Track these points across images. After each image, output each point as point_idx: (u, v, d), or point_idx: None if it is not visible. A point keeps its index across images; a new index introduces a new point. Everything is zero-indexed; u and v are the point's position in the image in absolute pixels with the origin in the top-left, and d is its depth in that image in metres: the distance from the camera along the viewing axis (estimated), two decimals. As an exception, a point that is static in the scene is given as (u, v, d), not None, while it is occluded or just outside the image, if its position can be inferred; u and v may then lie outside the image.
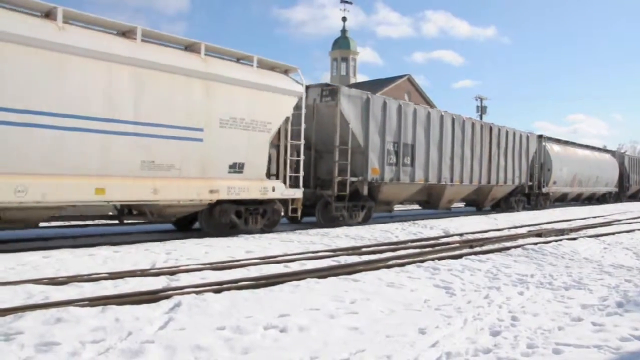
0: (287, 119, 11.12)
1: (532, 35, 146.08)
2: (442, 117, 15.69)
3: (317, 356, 3.59)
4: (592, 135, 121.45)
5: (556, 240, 10.47)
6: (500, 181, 19.14)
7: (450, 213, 18.48)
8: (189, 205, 9.70)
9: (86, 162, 8.13)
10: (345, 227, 12.34)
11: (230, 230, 10.38)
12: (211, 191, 9.78)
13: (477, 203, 20.17)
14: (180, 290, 5.18)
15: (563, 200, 26.71)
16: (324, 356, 3.59)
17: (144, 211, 9.54)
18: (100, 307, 4.39)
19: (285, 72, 11.48)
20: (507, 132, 19.58)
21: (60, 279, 5.67)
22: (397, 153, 13.91)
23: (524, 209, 21.87)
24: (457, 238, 11.08)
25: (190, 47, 9.76)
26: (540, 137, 23.33)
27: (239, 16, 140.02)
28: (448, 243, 9.95)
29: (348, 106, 12.54)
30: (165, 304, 4.63)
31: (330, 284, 5.82)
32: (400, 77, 41.72)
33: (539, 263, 7.88)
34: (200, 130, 9.57)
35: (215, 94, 9.75)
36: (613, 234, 12.40)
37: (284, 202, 11.35)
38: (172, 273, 6.20)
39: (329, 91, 12.57)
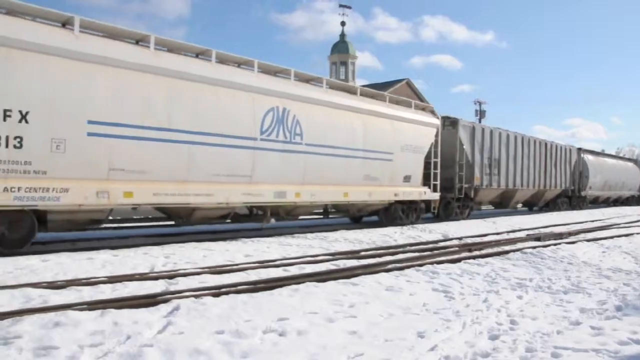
0: (431, 144, 15.49)
1: (530, 40, 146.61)
2: (515, 137, 20.65)
3: (315, 360, 3.59)
4: (591, 139, 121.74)
5: (555, 244, 10.47)
6: (551, 186, 24.11)
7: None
8: (380, 204, 14.13)
9: (338, 175, 12.45)
10: (342, 231, 12.41)
11: (394, 221, 14.59)
12: (395, 194, 14.20)
13: (531, 204, 25.08)
14: (179, 294, 5.17)
15: (595, 202, 31.30)
16: (322, 360, 3.59)
17: (346, 208, 14.10)
18: (98, 311, 4.38)
19: (423, 109, 15.94)
20: (556, 147, 24.59)
21: (58, 282, 5.67)
22: (489, 166, 18.62)
23: (566, 209, 26.21)
24: (455, 242, 11.08)
25: (376, 97, 14.27)
26: (579, 149, 28.12)
27: (238, 21, 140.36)
28: (447, 247, 9.95)
29: (463, 133, 17.34)
30: (164, 308, 4.63)
31: (329, 287, 5.82)
32: (399, 81, 41.80)
33: (537, 267, 7.87)
34: (391, 153, 14.02)
35: (397, 129, 14.28)
36: (612, 237, 12.41)
37: (427, 202, 15.66)
38: (171, 277, 6.20)
39: (450, 122, 17.21)
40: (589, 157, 28.82)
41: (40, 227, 8.28)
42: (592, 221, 18.49)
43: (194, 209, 9.96)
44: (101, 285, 5.62)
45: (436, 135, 15.66)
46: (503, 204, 21.42)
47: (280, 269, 7.05)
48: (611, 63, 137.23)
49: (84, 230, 9.77)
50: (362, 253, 8.84)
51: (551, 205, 25.69)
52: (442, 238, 11.86)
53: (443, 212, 17.16)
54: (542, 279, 6.83)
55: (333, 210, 13.89)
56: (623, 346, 3.98)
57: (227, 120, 10.01)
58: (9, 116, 7.35)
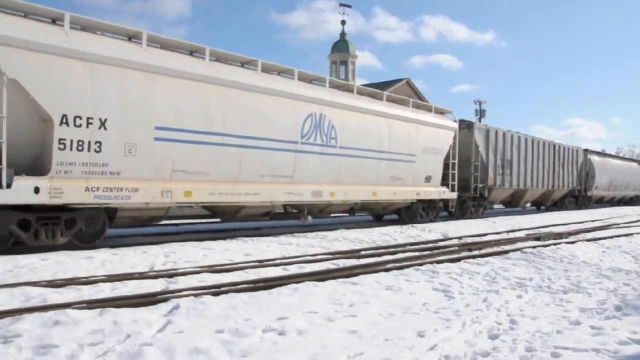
0: (450, 146, 16.45)
1: (530, 40, 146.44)
2: (526, 139, 21.69)
3: (315, 359, 3.59)
4: (591, 139, 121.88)
5: (555, 244, 10.47)
6: (559, 186, 25.06)
7: (447, 217, 18.56)
8: (403, 203, 15.12)
9: (367, 176, 13.41)
10: (342, 230, 12.43)
11: (415, 219, 15.56)
12: (417, 194, 15.21)
13: (540, 203, 26.08)
14: (178, 293, 5.17)
15: (600, 202, 32.24)
16: (322, 359, 3.58)
17: (372, 207, 14.63)
18: (98, 310, 4.38)
19: (442, 113, 16.83)
20: (564, 148, 25.56)
21: (58, 281, 5.66)
22: (502, 167, 19.63)
23: (573, 208, 27.08)
24: (455, 241, 11.08)
25: (400, 102, 15.36)
26: (585, 150, 29.17)
27: (238, 21, 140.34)
28: (447, 246, 9.95)
29: (478, 136, 18.39)
30: (163, 307, 4.63)
31: (329, 287, 5.82)
32: (399, 80, 41.77)
33: (537, 266, 7.87)
34: (414, 155, 14.93)
35: (419, 132, 15.18)
36: (611, 237, 12.40)
37: (444, 201, 16.70)
38: (171, 276, 6.20)
39: (466, 125, 18.20)
40: (595, 158, 29.73)
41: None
42: (592, 221, 18.50)
43: (241, 207, 10.87)
44: (101, 284, 5.62)
45: (454, 138, 16.61)
46: (513, 203, 22.57)
47: (280, 268, 7.05)
48: (611, 63, 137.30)
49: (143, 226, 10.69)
50: (362, 252, 8.84)
51: (559, 205, 26.51)
52: (441, 237, 11.86)
53: (459, 210, 17.94)
54: (541, 278, 6.83)
55: (360, 209, 14.67)
56: (623, 346, 3.97)
57: (272, 125, 10.92)
58: (91, 123, 8.18)
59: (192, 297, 4.94)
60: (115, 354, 3.48)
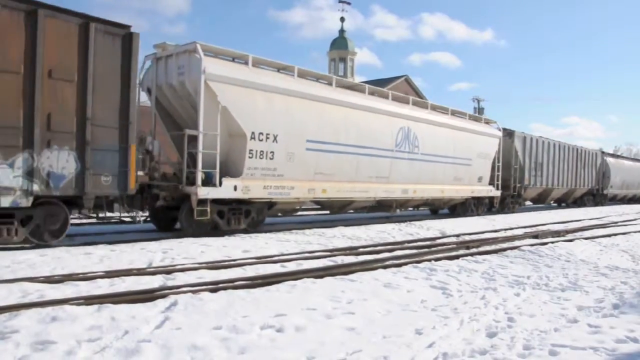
0: (496, 151, 19.30)
1: (528, 39, 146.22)
2: (554, 144, 24.75)
3: (313, 356, 3.59)
4: (588, 137, 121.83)
5: (552, 242, 10.49)
6: (580, 185, 27.87)
7: (446, 215, 18.60)
8: (460, 199, 18.02)
9: (438, 177, 16.27)
10: (340, 228, 12.43)
11: (466, 213, 18.37)
12: (472, 192, 18.11)
13: (563, 201, 28.58)
14: (176, 289, 5.17)
15: (613, 199, 34.68)
16: (320, 356, 3.59)
17: (436, 202, 17.57)
18: (96, 306, 4.38)
19: (488, 123, 19.75)
20: (584, 151, 28.42)
21: (56, 277, 5.66)
22: (535, 169, 22.58)
23: (591, 205, 29.56)
24: (453, 239, 11.09)
25: (460, 114, 17.95)
26: (603, 152, 32.08)
27: (237, 18, 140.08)
28: (445, 244, 9.96)
29: (517, 142, 21.38)
30: (161, 303, 4.62)
31: (327, 284, 5.82)
32: (398, 77, 41.73)
33: (535, 264, 7.89)
34: (470, 159, 17.74)
35: (474, 140, 17.96)
36: (609, 235, 12.44)
37: (490, 198, 19.46)
38: (169, 272, 6.19)
39: (507, 133, 21.02)
40: (610, 160, 32.42)
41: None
42: (590, 219, 18.53)
43: (352, 201, 13.46)
44: (98, 280, 5.62)
45: (499, 144, 19.53)
46: (540, 201, 25.37)
47: (278, 264, 7.05)
48: (609, 61, 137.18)
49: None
50: (360, 250, 8.84)
51: (579, 202, 29.11)
52: (439, 235, 11.87)
53: (500, 206, 20.56)
54: (539, 276, 6.84)
55: (425, 204, 17.35)
56: (620, 344, 3.99)
57: (376, 137, 13.68)
58: (268, 138, 10.81)
59: (190, 294, 4.94)
60: (113, 350, 3.48)
